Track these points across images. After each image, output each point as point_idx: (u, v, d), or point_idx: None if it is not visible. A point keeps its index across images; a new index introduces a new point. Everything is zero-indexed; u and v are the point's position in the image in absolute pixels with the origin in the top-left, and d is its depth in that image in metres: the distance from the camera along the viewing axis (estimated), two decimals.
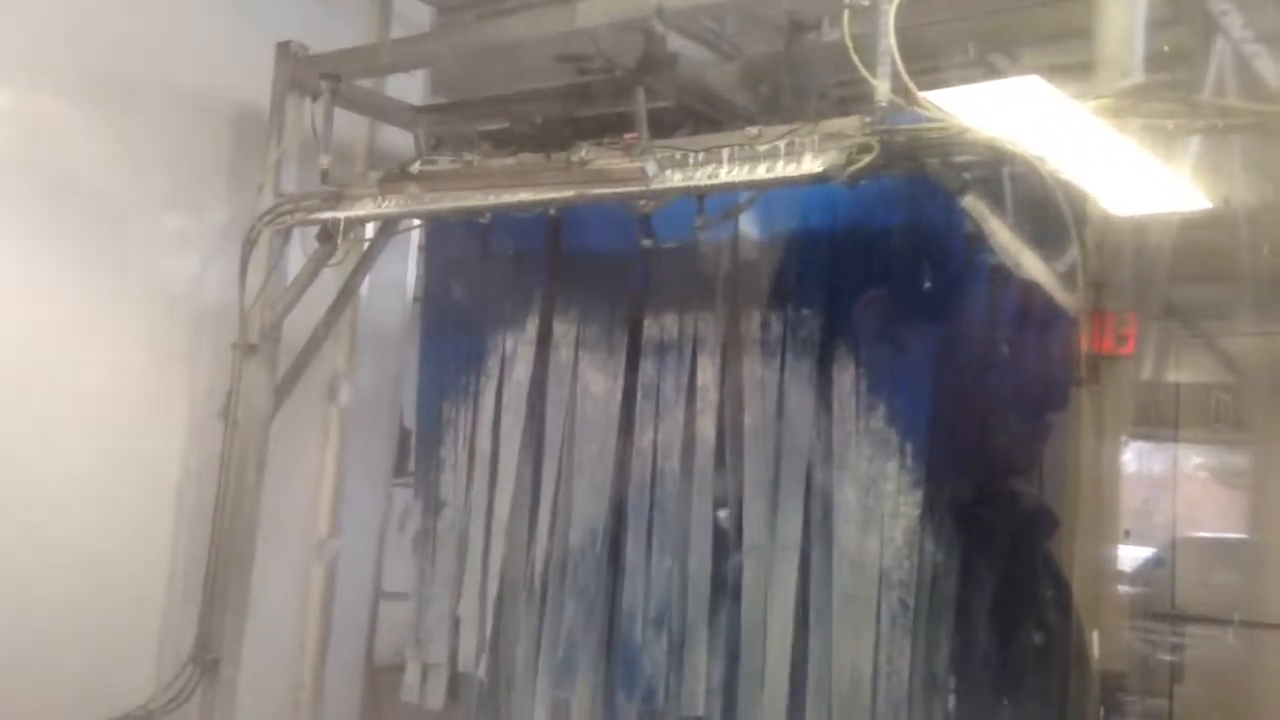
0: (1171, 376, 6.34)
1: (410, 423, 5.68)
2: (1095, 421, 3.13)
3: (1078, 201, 3.15)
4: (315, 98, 4.83)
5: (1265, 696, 5.61)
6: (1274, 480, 6.21)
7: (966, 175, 3.36)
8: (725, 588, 4.27)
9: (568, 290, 4.85)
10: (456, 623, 4.95)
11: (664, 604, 4.35)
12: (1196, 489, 6.81)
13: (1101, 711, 3.04)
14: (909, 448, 3.93)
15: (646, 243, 4.04)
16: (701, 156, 3.72)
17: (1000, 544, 4.01)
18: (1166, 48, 3.44)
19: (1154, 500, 6.54)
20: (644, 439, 4.49)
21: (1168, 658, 6.05)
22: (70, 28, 4.62)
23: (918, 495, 3.90)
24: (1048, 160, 3.03)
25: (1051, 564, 3.93)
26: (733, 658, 4.21)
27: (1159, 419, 6.37)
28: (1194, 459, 6.80)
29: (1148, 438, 6.41)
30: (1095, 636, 3.05)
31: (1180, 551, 6.43)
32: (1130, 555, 5.95)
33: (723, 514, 4.31)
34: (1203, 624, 6.12)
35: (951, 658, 3.91)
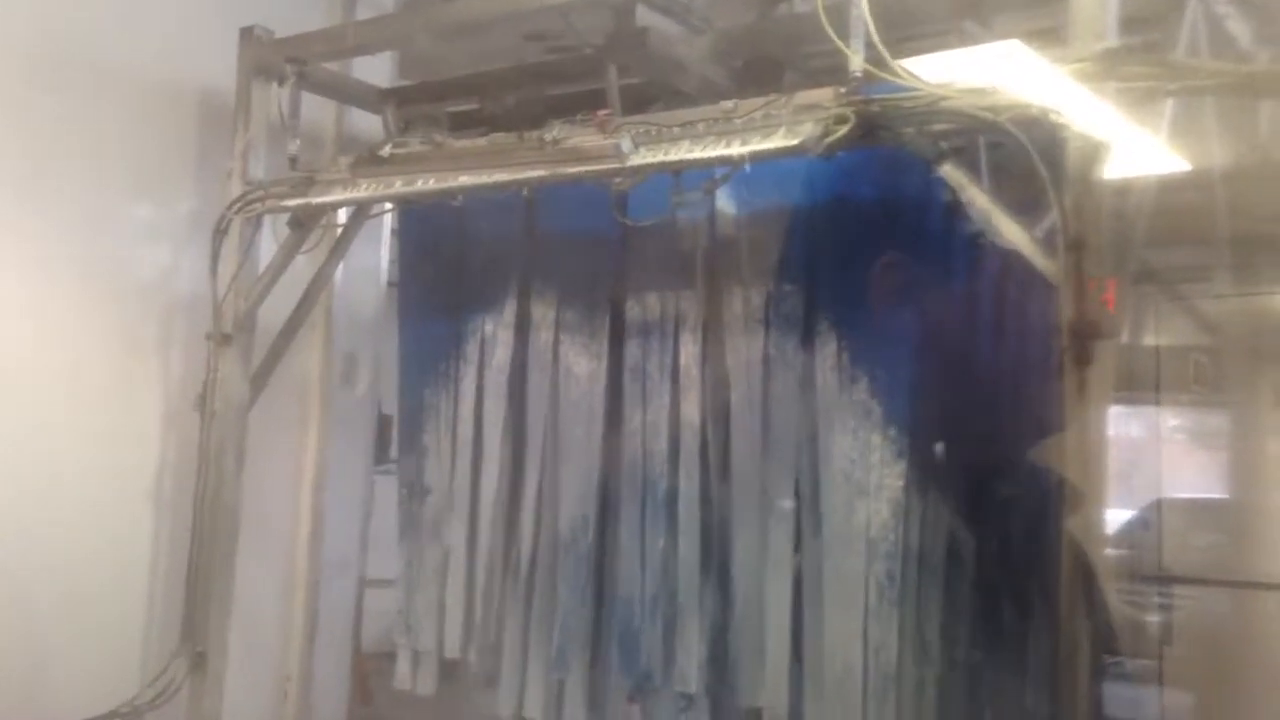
0: (1150, 340, 6.35)
1: (390, 409, 5.64)
2: (1078, 388, 3.12)
3: (1056, 167, 3.13)
4: (281, 82, 4.77)
5: (1255, 656, 5.65)
6: (1253, 440, 6.24)
7: (944, 144, 3.34)
8: (715, 566, 4.25)
9: (545, 272, 4.81)
10: (445, 609, 4.92)
11: (658, 585, 4.32)
12: (1178, 451, 6.84)
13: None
14: (892, 419, 3.91)
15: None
16: (676, 132, 3.67)
17: (1005, 516, 3.99)
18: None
19: (1137, 463, 6.56)
20: (633, 420, 4.45)
21: (1156, 619, 6.07)
22: (30, 12, 4.54)
23: (901, 467, 3.88)
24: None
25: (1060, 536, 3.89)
26: (727, 634, 4.20)
27: (1139, 383, 6.37)
28: (1174, 421, 6.82)
29: (1129, 401, 6.42)
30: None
31: (1165, 513, 6.45)
32: (1116, 518, 5.96)
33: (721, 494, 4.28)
34: (1190, 585, 6.14)
35: (944, 630, 3.90)
